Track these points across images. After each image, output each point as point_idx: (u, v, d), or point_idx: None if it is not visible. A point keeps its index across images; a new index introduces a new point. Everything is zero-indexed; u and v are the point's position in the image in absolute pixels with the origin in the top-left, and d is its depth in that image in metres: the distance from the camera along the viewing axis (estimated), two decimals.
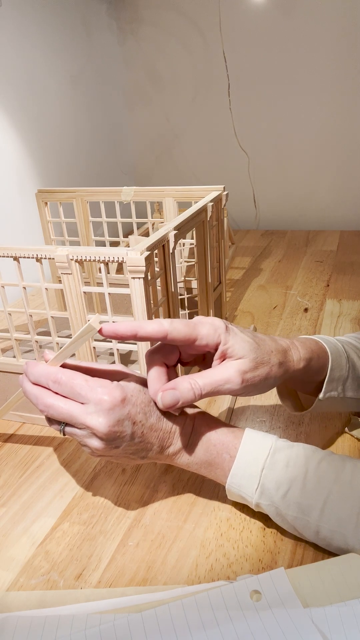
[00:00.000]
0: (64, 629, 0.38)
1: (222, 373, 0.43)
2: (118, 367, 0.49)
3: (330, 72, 1.36)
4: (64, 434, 0.45)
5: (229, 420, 0.64)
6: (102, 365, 0.49)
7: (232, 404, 0.67)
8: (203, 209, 0.69)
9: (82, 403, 0.43)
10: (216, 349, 0.45)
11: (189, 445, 0.47)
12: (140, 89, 1.58)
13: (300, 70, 1.38)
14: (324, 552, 0.45)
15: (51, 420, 0.46)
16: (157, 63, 1.52)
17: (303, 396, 0.57)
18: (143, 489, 0.54)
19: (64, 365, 0.46)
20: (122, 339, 0.43)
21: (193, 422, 0.47)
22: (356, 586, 0.39)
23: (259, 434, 0.47)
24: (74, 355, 0.52)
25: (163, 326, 0.43)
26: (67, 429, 0.45)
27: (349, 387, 0.53)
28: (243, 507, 0.50)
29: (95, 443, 0.43)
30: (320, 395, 0.51)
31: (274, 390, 0.69)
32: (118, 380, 0.45)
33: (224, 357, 0.45)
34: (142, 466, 0.57)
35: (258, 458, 0.45)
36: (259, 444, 0.46)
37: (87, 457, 0.59)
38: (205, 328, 0.44)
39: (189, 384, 0.43)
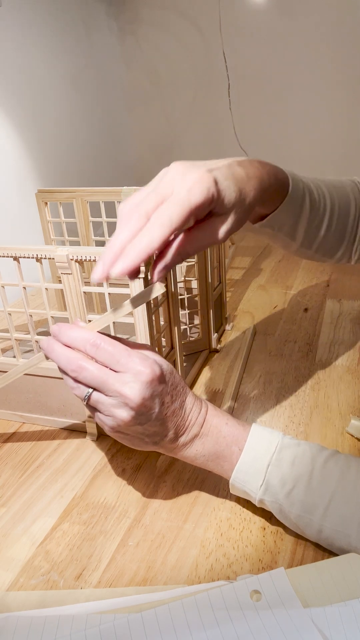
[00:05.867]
0: (64, 629, 0.38)
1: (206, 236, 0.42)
2: (148, 346, 0.47)
3: (331, 72, 1.36)
4: (88, 401, 0.43)
5: None
6: (133, 342, 0.47)
7: (232, 403, 0.67)
8: None
9: (116, 372, 0.42)
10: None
11: (201, 435, 0.47)
12: (140, 89, 1.58)
13: (301, 70, 1.38)
14: (324, 552, 0.45)
15: (76, 386, 0.44)
16: (157, 63, 1.52)
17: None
18: (143, 489, 0.54)
19: None
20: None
21: (205, 414, 0.47)
22: (356, 586, 0.39)
23: (265, 430, 0.47)
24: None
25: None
26: (95, 395, 0.43)
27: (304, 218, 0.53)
28: (243, 507, 0.50)
29: (124, 414, 0.42)
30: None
31: (273, 391, 0.69)
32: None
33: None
34: (142, 466, 0.57)
35: (264, 454, 0.45)
36: (266, 441, 0.46)
37: (87, 457, 0.59)
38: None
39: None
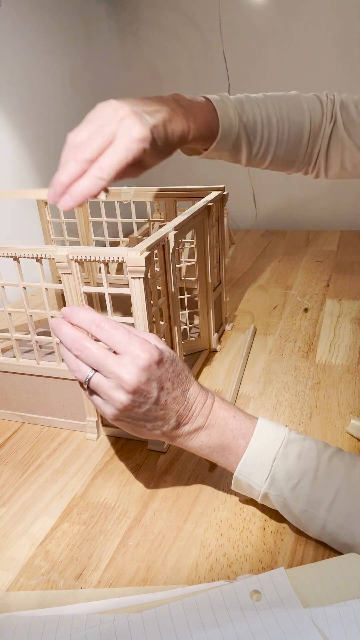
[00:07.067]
0: (64, 629, 0.38)
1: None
2: (152, 336, 0.47)
3: (331, 72, 1.35)
4: (88, 386, 0.45)
5: None
6: (138, 331, 0.47)
7: (232, 403, 0.67)
8: (203, 209, 0.69)
9: (118, 354, 0.44)
10: None
11: (206, 427, 0.47)
12: (140, 89, 1.57)
13: (300, 70, 1.38)
14: (324, 551, 0.45)
15: (78, 368, 0.45)
16: (157, 63, 1.52)
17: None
18: (143, 489, 0.54)
19: None
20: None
21: (212, 405, 0.48)
22: (356, 586, 0.39)
23: (271, 424, 0.47)
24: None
25: None
26: (95, 377, 0.44)
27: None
28: (243, 508, 0.50)
29: (122, 397, 0.43)
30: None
31: (273, 391, 0.69)
32: None
33: None
34: (142, 466, 0.57)
35: (271, 448, 0.45)
36: (272, 434, 0.46)
37: (87, 457, 0.59)
38: None
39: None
